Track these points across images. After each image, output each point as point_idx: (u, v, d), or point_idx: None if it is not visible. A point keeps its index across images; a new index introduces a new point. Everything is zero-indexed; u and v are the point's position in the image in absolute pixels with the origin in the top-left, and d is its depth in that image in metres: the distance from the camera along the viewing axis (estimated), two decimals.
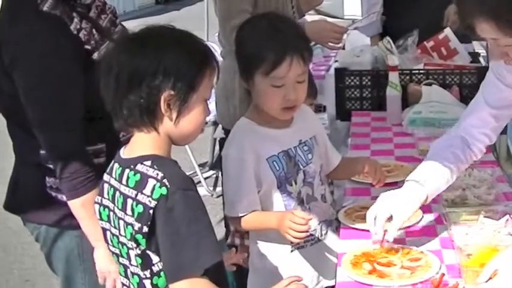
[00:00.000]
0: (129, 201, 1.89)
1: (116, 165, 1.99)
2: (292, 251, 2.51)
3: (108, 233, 2.01)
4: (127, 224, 1.90)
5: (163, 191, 1.84)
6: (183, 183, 1.88)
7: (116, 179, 1.97)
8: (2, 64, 2.32)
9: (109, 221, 2.00)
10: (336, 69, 4.13)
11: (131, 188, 1.90)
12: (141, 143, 1.96)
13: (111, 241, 2.01)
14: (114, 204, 1.95)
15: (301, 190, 2.51)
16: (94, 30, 2.42)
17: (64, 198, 2.39)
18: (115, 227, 1.97)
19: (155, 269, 1.91)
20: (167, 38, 1.94)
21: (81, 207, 2.32)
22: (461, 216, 2.44)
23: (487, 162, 2.96)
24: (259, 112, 2.50)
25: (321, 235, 2.56)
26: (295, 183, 2.50)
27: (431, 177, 2.36)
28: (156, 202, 1.84)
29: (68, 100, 2.32)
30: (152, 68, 1.88)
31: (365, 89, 3.98)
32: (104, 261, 2.35)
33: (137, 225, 1.87)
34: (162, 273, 1.91)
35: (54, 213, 2.46)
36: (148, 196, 1.85)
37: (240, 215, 2.43)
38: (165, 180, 1.85)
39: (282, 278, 2.38)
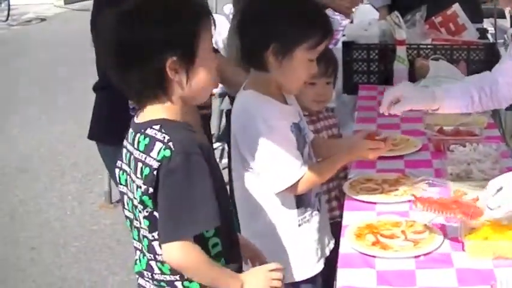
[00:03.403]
0: (139, 164, 1.93)
1: (131, 130, 2.03)
2: (300, 225, 2.48)
3: (125, 196, 2.05)
4: (137, 186, 1.94)
5: (167, 153, 1.88)
6: (188, 147, 1.90)
7: (131, 144, 2.00)
8: None
9: (126, 185, 2.03)
10: (344, 43, 4.13)
11: (141, 151, 1.94)
12: (153, 107, 1.99)
13: (127, 205, 2.04)
14: (130, 168, 1.99)
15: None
16: None
17: None
18: (131, 191, 2.00)
19: None
20: (158, 8, 1.94)
21: None
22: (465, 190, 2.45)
23: (492, 137, 2.98)
24: (268, 86, 2.45)
25: (320, 206, 2.56)
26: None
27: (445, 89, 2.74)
28: (159, 163, 1.88)
29: None
30: (150, 40, 1.90)
31: (372, 63, 3.99)
32: None
33: (144, 187, 1.91)
34: None
35: None
36: (154, 159, 1.90)
37: (300, 176, 2.40)
38: (170, 143, 1.89)
39: (286, 252, 2.42)
